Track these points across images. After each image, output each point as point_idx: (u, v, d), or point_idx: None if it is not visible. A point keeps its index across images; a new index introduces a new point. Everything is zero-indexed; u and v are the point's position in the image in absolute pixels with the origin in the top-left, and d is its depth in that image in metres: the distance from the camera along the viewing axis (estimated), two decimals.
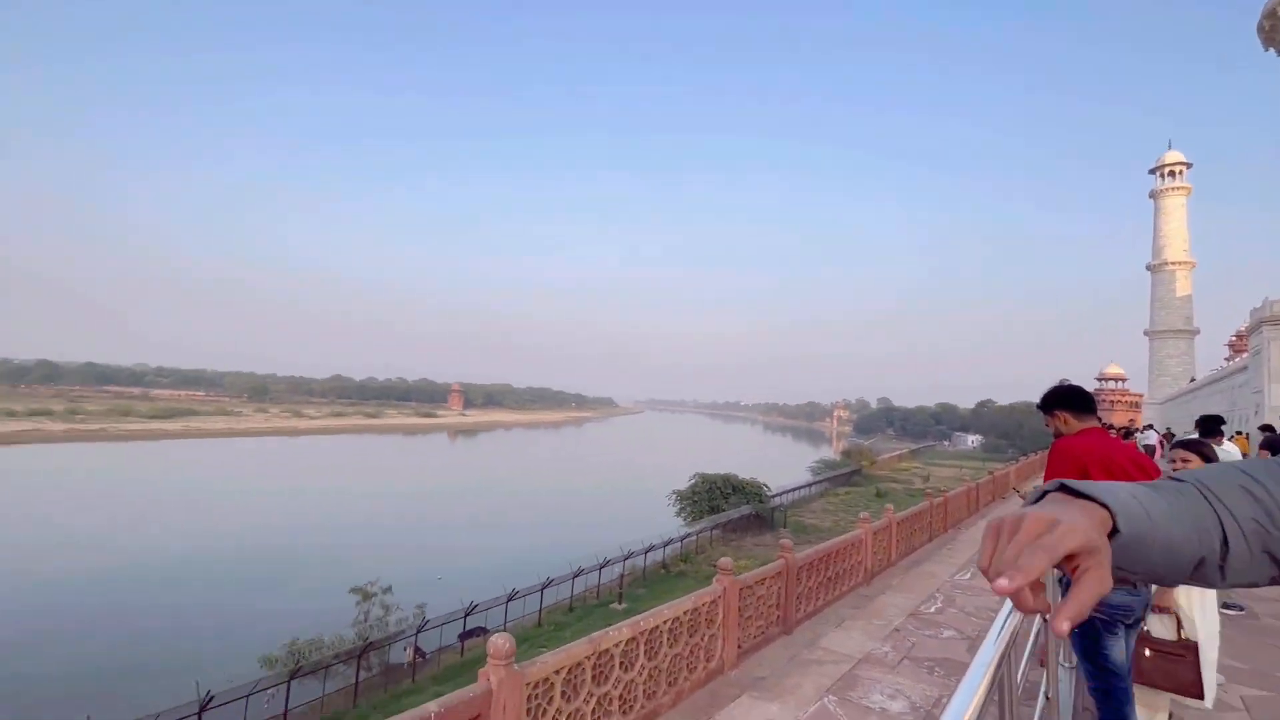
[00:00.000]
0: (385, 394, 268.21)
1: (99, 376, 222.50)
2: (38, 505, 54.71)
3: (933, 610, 9.36)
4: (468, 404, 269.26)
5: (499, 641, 4.06)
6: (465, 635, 28.21)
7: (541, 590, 30.86)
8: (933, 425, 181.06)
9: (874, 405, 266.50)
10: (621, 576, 34.79)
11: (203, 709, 18.82)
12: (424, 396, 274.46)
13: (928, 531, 14.92)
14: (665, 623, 5.95)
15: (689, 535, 42.58)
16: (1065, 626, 0.63)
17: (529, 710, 4.27)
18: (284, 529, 50.09)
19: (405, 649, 26.49)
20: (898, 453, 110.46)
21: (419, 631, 26.14)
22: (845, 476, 75.37)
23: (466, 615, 27.65)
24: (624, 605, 30.68)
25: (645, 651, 5.61)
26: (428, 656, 26.91)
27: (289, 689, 21.62)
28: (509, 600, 29.31)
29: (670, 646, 6.01)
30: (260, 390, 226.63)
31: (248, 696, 20.49)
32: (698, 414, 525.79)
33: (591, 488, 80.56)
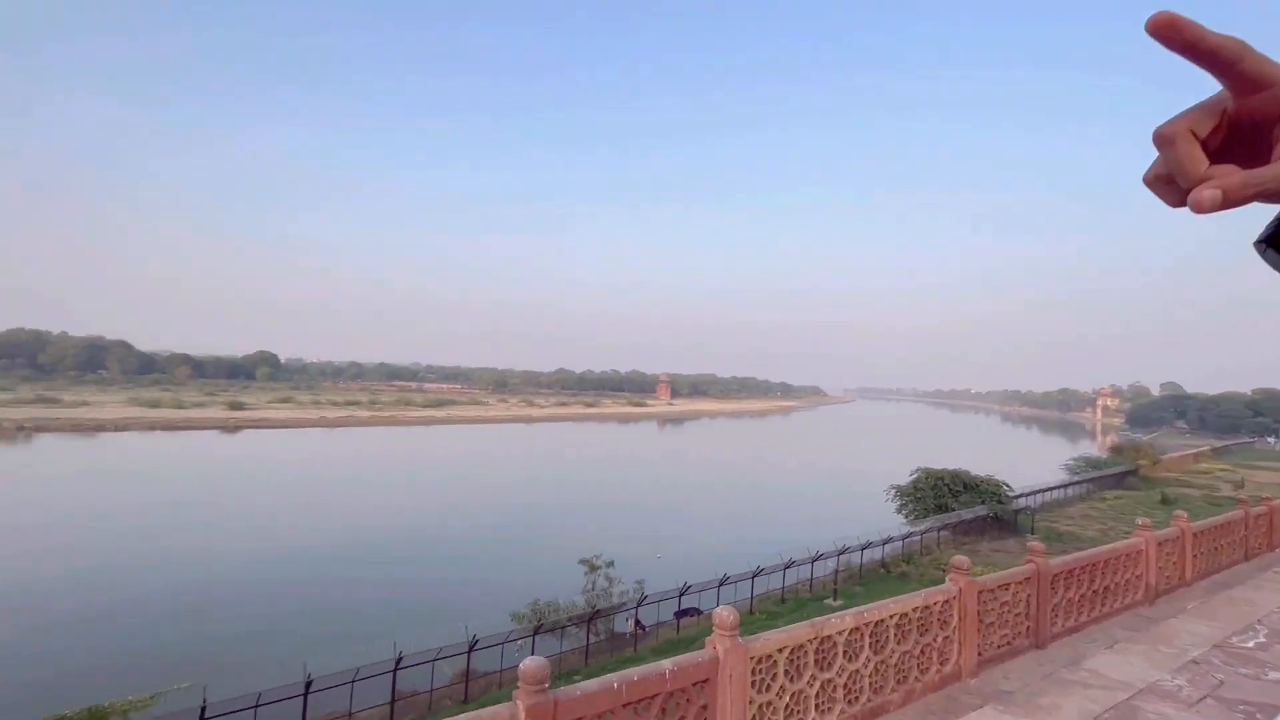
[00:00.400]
0: (601, 385, 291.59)
1: (389, 374, 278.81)
2: (350, 480, 70.02)
3: (1250, 645, 7.47)
4: (674, 393, 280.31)
5: (724, 614, 4.26)
6: (680, 614, 29.56)
7: (752, 578, 30.99)
8: (1248, 417, 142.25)
9: (1155, 392, 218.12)
10: (836, 572, 33.44)
11: (471, 649, 22.52)
12: (635, 387, 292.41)
13: (1241, 548, 11.87)
14: (892, 617, 5.66)
15: (911, 534, 39.31)
16: (1207, 195, 0.44)
17: (753, 683, 4.42)
18: (526, 502, 57.41)
19: (627, 620, 28.62)
20: (1192, 451, 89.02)
21: (639, 605, 28.05)
22: (1115, 478, 62.98)
23: (681, 595, 28.92)
24: (839, 602, 29.46)
25: (871, 644, 5.41)
26: (647, 630, 28.74)
27: (534, 642, 24.79)
28: (720, 585, 29.95)
29: (898, 643, 5.69)
30: (501, 383, 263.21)
31: (503, 644, 23.98)
32: (917, 403, 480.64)
33: (798, 477, 78.55)
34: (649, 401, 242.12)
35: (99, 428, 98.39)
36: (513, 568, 38.03)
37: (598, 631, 27.83)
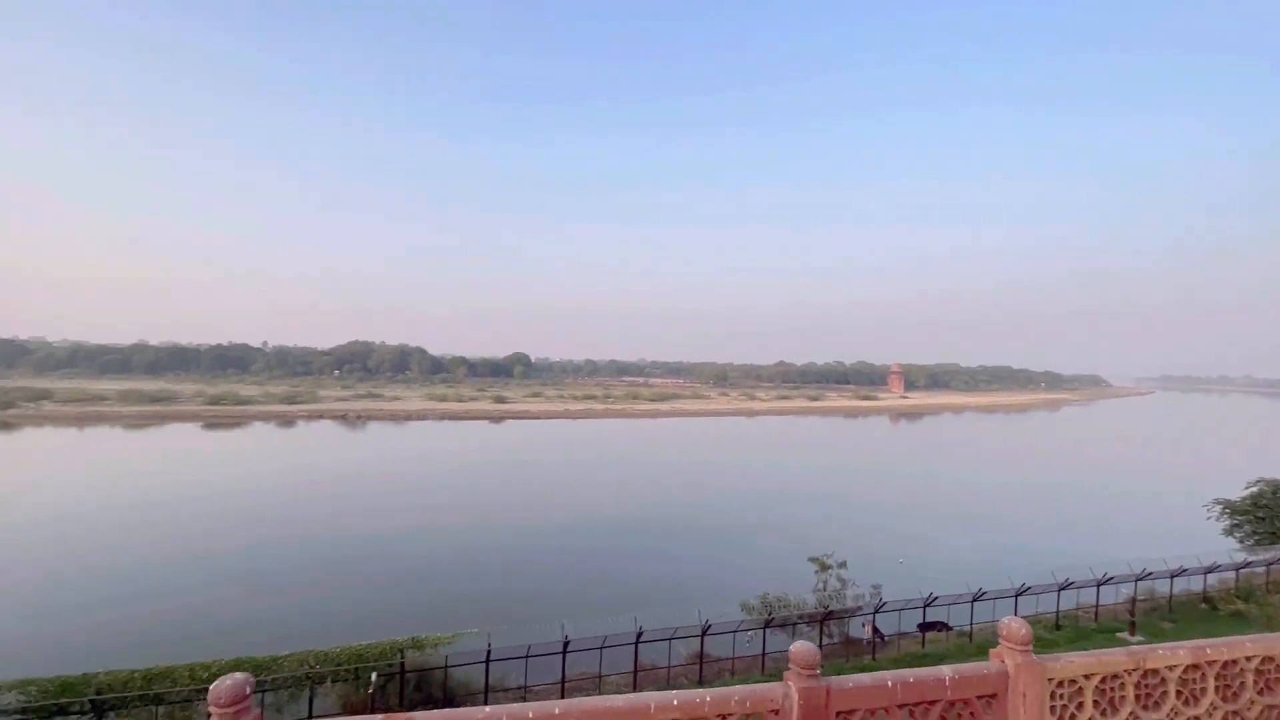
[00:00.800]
0: (824, 377, 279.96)
1: (619, 370, 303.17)
2: (596, 464, 77.25)
3: None
4: (909, 385, 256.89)
5: (1015, 625, 3.72)
6: (924, 626, 27.02)
7: (1015, 597, 26.99)
8: None
9: None
10: (1133, 601, 27.44)
11: (704, 634, 23.31)
12: (862, 379, 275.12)
13: None
14: (1249, 660, 4.37)
15: (1250, 564, 30.55)
16: None
17: (1052, 708, 3.77)
18: (752, 492, 57.59)
19: (864, 625, 26.98)
20: None
21: (876, 611, 26.26)
22: None
23: (925, 606, 26.41)
24: (1138, 638, 24.17)
25: (1218, 689, 4.24)
26: (885, 638, 26.80)
27: (764, 635, 24.72)
28: (974, 600, 26.68)
29: (1260, 693, 4.38)
30: (721, 377, 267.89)
31: (734, 633, 24.37)
32: (1252, 394, 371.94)
33: (1067, 481, 66.14)
34: (879, 395, 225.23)
35: (407, 417, 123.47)
36: (740, 555, 38.47)
37: (830, 633, 26.76)
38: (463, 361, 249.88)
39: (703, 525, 46.16)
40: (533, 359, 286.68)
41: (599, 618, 24.99)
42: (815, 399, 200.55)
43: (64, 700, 16.98)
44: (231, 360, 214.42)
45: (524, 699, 20.97)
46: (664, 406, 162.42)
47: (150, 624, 26.74)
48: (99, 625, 26.45)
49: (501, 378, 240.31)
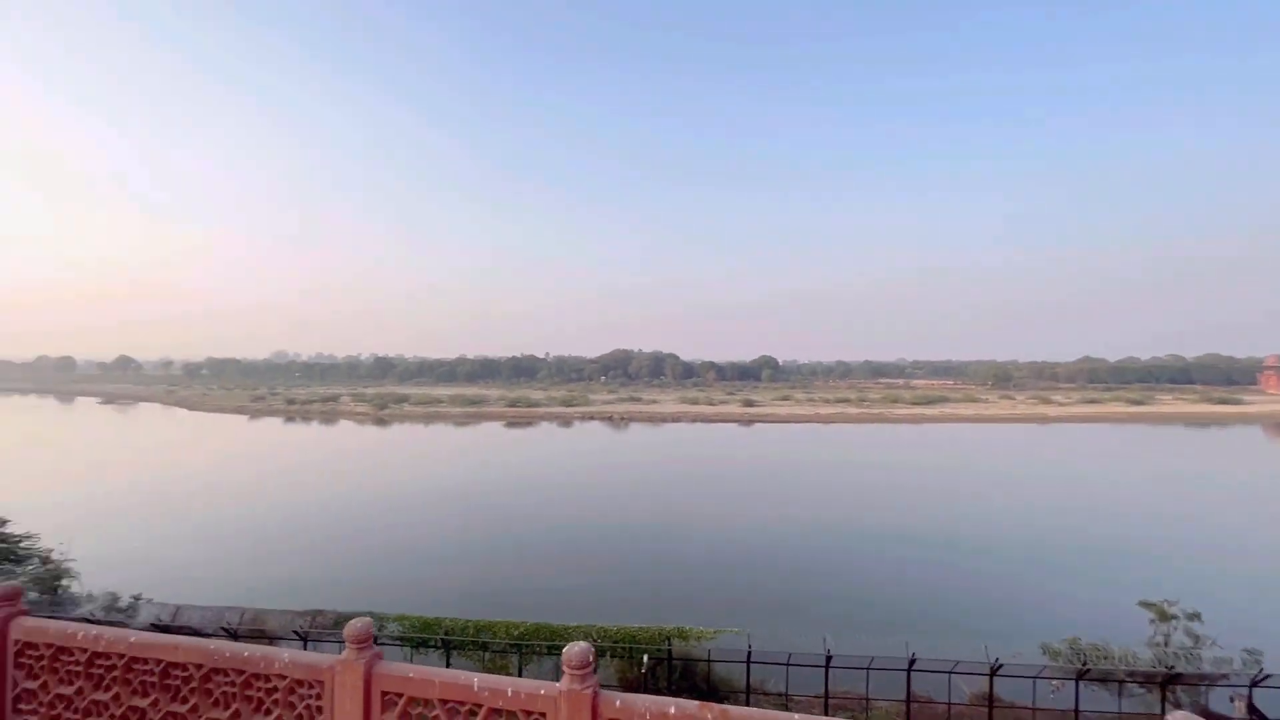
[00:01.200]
0: (1150, 376, 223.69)
1: (873, 370, 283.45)
2: (856, 469, 73.08)
3: None
4: None
5: None
6: None
7: None
8: None
9: None
10: None
11: (993, 673, 20.25)
12: (1212, 376, 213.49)
13: None
14: None
15: None
16: None
17: None
18: (1061, 515, 48.37)
19: (1232, 700, 20.69)
20: None
21: (1254, 684, 19.84)
22: None
23: None
24: None
25: None
26: None
27: (1077, 688, 20.52)
28: None
29: None
30: (1003, 376, 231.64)
31: (1035, 679, 20.69)
32: None
33: None
34: (1244, 397, 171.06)
35: (664, 419, 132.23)
36: (1036, 586, 32.71)
37: (1177, 701, 21.08)
38: (711, 366, 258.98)
39: (984, 546, 40.33)
40: (780, 361, 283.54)
41: (864, 634, 23.56)
42: (1139, 403, 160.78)
43: (424, 635, 21.94)
44: (524, 369, 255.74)
45: (785, 707, 20.69)
46: (930, 411, 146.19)
47: (473, 583, 32.99)
48: (440, 580, 33.52)
49: (749, 381, 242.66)
